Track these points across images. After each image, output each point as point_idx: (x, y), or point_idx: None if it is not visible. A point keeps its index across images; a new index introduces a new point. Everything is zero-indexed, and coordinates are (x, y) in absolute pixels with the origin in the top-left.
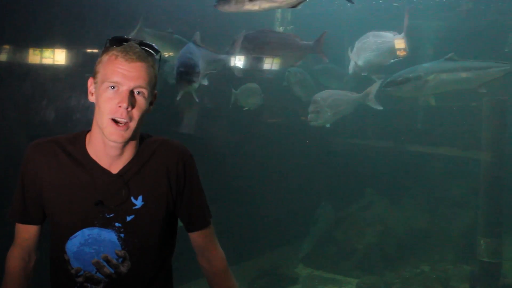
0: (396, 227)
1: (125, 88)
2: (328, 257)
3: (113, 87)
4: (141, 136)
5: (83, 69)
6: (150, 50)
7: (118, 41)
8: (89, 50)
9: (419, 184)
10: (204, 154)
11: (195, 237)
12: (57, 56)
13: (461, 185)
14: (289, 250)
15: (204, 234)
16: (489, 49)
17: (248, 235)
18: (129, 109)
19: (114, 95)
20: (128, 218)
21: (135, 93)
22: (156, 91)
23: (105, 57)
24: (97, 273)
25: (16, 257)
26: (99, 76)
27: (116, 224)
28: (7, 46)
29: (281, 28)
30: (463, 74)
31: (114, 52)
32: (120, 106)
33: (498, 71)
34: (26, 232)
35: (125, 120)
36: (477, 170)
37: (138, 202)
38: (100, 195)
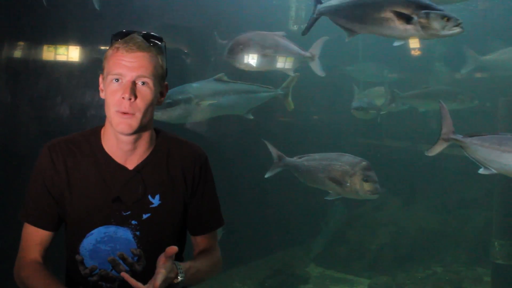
0: (408, 228)
1: (127, 79)
2: (339, 257)
3: (117, 80)
4: (156, 131)
5: (98, 65)
6: (155, 40)
7: (122, 35)
8: (103, 47)
9: (433, 184)
10: (216, 153)
11: (198, 240)
12: (72, 53)
13: (475, 186)
14: (301, 250)
15: (207, 238)
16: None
17: (259, 234)
18: (132, 100)
19: (118, 87)
20: (145, 216)
21: (139, 83)
22: (166, 83)
23: (109, 51)
24: (113, 270)
25: (30, 263)
26: (105, 71)
27: (133, 222)
28: (22, 43)
29: (295, 27)
30: (235, 98)
31: (116, 45)
32: (123, 98)
33: (266, 96)
34: (38, 237)
35: (130, 112)
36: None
37: (155, 201)
38: (117, 192)
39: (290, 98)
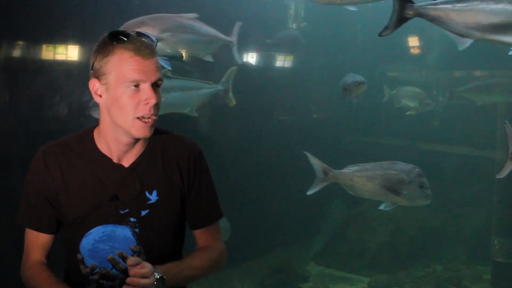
0: (408, 226)
1: (148, 84)
2: (339, 255)
3: (136, 86)
4: None
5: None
6: (152, 42)
7: (120, 37)
8: None
9: (433, 182)
10: (215, 151)
11: (199, 234)
12: (70, 52)
13: (475, 184)
14: (301, 248)
15: (208, 231)
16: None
17: (259, 233)
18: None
19: (137, 93)
20: (143, 213)
21: (155, 86)
22: None
23: (114, 57)
24: (113, 269)
25: (33, 264)
26: (112, 77)
27: (131, 219)
28: (20, 42)
29: (294, 25)
30: (180, 95)
31: (124, 51)
32: (147, 104)
33: (207, 93)
34: (39, 239)
35: (154, 115)
36: (492, 169)
37: (153, 197)
38: (114, 190)
39: (231, 94)
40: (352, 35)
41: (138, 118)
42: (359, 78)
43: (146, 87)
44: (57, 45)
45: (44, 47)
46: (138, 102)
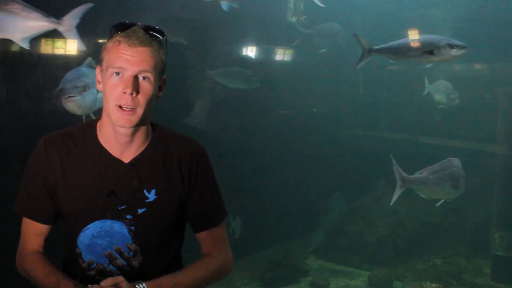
0: (408, 220)
1: (129, 73)
2: (339, 249)
3: (118, 73)
4: (152, 125)
5: (95, 58)
6: (156, 34)
7: (122, 27)
8: (100, 40)
9: None
10: (215, 146)
11: (202, 239)
12: (69, 45)
13: (476, 178)
14: (301, 242)
15: (211, 237)
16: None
17: (259, 227)
18: (134, 95)
19: (119, 82)
20: (140, 211)
21: (140, 78)
22: (165, 77)
23: (109, 44)
24: (110, 265)
25: (30, 254)
26: (104, 63)
27: (127, 216)
28: None
29: (294, 18)
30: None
31: (117, 37)
32: (124, 92)
33: None
34: (36, 229)
35: (131, 107)
36: (492, 163)
37: (151, 196)
38: (112, 185)
39: None
40: (353, 28)
41: (118, 106)
42: (457, 41)
43: (126, 76)
44: (55, 38)
45: (42, 41)
46: (119, 91)
